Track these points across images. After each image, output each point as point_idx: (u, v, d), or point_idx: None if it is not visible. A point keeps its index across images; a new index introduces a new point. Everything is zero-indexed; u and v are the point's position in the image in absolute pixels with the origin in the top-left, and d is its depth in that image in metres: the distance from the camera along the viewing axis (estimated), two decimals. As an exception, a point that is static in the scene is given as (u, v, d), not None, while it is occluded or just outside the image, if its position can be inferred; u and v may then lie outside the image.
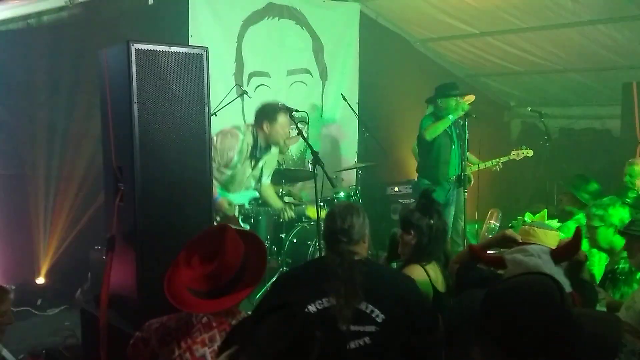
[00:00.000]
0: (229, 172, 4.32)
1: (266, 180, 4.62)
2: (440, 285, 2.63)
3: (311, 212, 4.84)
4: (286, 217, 4.58)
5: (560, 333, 1.30)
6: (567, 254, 2.25)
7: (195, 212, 3.06)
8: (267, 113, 4.28)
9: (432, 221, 2.67)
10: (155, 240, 2.89)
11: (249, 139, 4.30)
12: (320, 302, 2.20)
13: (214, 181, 4.22)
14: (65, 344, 3.84)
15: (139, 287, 2.86)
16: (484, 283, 1.99)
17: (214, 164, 4.14)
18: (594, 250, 3.48)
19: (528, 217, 3.01)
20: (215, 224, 4.24)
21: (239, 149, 4.25)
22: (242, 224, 4.47)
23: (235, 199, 4.40)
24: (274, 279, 4.67)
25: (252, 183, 4.48)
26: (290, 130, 4.40)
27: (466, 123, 5.02)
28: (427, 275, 2.60)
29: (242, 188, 4.43)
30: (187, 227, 2.93)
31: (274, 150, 4.45)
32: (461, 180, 5.13)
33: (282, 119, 4.24)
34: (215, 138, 4.14)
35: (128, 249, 2.94)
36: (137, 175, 2.86)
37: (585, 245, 3.46)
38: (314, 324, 1.49)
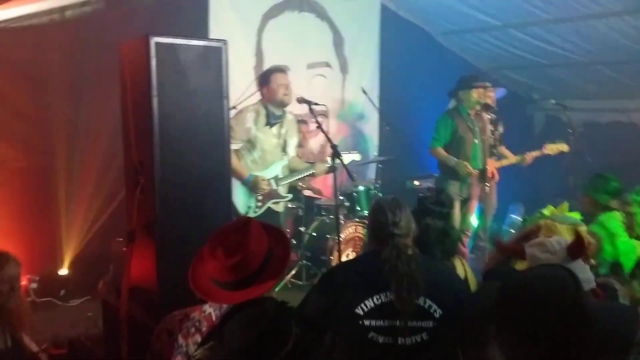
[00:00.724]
0: (255, 149, 4.37)
1: (292, 150, 4.64)
2: None
3: None
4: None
5: (573, 324, 1.31)
6: (579, 252, 2.22)
7: (214, 205, 3.07)
8: (261, 79, 4.43)
9: (426, 222, 2.65)
10: (174, 232, 2.91)
11: (259, 108, 4.39)
12: (378, 297, 2.17)
13: (243, 163, 4.36)
14: (87, 334, 3.90)
15: (159, 279, 2.88)
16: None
17: (236, 145, 4.26)
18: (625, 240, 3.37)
19: (548, 210, 2.95)
20: (256, 203, 4.35)
21: (254, 119, 4.33)
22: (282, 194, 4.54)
23: (268, 173, 4.44)
24: (322, 273, 4.62)
25: (280, 154, 4.52)
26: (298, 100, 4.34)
27: (492, 117, 4.96)
28: None
29: (273, 161, 4.47)
30: (207, 220, 2.95)
31: (290, 117, 4.49)
32: (484, 176, 5.07)
33: (275, 77, 4.32)
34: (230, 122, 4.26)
35: (148, 242, 2.96)
36: (156, 168, 2.89)
37: (622, 233, 3.42)
38: (291, 318, 1.48)
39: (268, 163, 4.42)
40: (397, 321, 2.11)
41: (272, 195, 4.43)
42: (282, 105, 4.33)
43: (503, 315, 1.38)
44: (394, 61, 6.73)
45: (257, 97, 5.40)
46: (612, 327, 1.42)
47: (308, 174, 4.63)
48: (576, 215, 2.67)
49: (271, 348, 1.39)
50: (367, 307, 2.15)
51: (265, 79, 4.37)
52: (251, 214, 4.37)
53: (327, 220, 5.27)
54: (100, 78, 4.74)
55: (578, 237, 2.06)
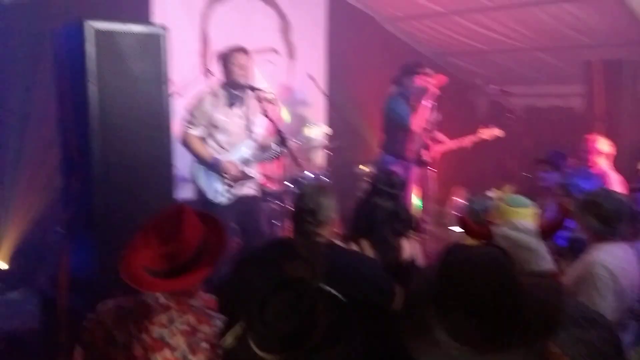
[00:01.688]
0: (219, 132, 4.25)
1: (259, 129, 4.47)
2: None
3: None
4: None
5: (508, 300, 1.39)
6: (552, 231, 2.32)
7: (156, 193, 3.04)
8: (221, 58, 4.29)
9: (375, 201, 2.70)
10: (113, 222, 2.87)
11: (217, 90, 4.27)
12: None
13: (209, 148, 4.23)
14: (25, 327, 3.80)
15: (98, 270, 2.83)
16: None
17: (197, 131, 4.16)
18: None
19: (496, 193, 3.03)
20: (224, 187, 4.22)
21: (211, 102, 4.20)
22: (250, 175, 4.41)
23: (235, 155, 4.31)
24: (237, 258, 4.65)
25: (245, 134, 4.36)
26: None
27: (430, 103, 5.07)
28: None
29: (239, 142, 4.33)
30: (148, 208, 2.88)
31: (252, 95, 4.33)
32: (421, 161, 5.24)
33: (232, 56, 4.21)
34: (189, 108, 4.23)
35: (87, 231, 2.90)
36: (94, 156, 2.83)
37: None
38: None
39: (234, 145, 4.33)
40: None
41: (241, 176, 4.34)
42: (237, 86, 4.23)
43: (442, 295, 1.43)
44: (341, 47, 6.75)
45: (206, 81, 5.36)
46: (543, 306, 1.49)
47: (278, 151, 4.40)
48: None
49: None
50: None
51: (223, 59, 4.26)
52: (220, 199, 4.25)
53: (275, 207, 5.27)
54: (34, 65, 4.58)
55: (557, 221, 2.19)
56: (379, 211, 2.71)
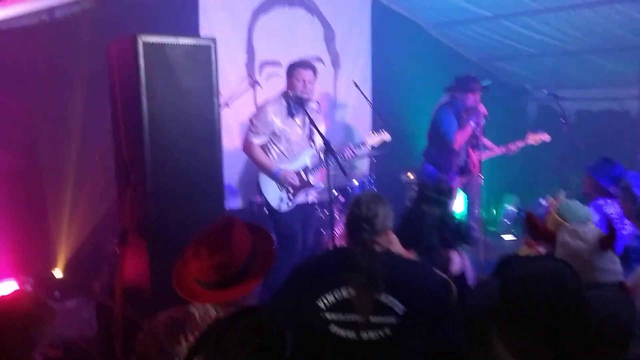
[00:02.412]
0: (280, 141, 4.38)
1: (320, 138, 4.46)
2: None
3: None
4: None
5: (574, 318, 1.34)
6: (609, 244, 2.22)
7: (206, 204, 3.08)
8: (287, 70, 4.44)
9: (422, 208, 2.66)
10: (166, 232, 2.91)
11: (280, 100, 4.41)
12: (339, 292, 2.18)
13: (272, 157, 4.37)
14: (82, 336, 3.89)
15: (152, 279, 2.88)
16: None
17: (260, 140, 4.32)
18: None
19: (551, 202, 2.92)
20: (288, 195, 4.32)
21: (275, 112, 4.35)
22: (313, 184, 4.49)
23: (297, 165, 4.43)
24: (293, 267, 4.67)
25: (307, 144, 4.49)
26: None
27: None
28: None
29: (300, 151, 4.45)
30: (199, 219, 2.94)
31: (313, 104, 4.49)
32: (465, 170, 5.22)
33: (297, 71, 4.34)
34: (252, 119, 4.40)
35: (140, 242, 2.96)
36: (147, 168, 2.89)
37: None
38: (284, 325, 1.47)
39: (295, 154, 4.42)
40: (358, 316, 2.13)
41: (303, 185, 4.42)
42: (299, 100, 4.33)
43: (506, 312, 1.39)
44: (386, 54, 6.71)
45: (252, 92, 5.43)
46: (612, 321, 1.44)
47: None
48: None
49: (274, 357, 1.39)
50: (328, 300, 2.17)
51: (289, 71, 4.41)
52: (284, 207, 4.38)
53: (322, 216, 5.27)
54: (90, 78, 4.71)
55: (612, 230, 2.07)
56: (426, 219, 2.66)
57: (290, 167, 4.43)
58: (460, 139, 5.15)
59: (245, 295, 1.93)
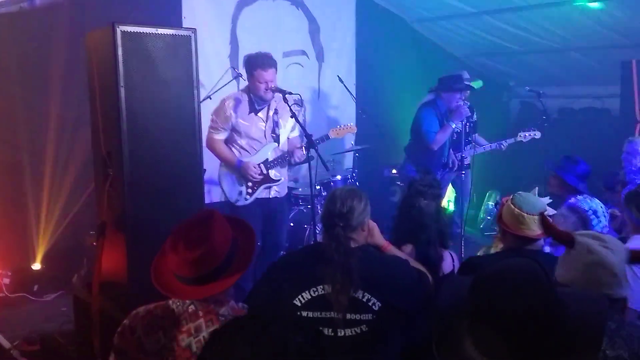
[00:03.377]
0: (241, 136, 4.28)
1: (285, 132, 4.46)
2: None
3: None
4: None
5: (545, 316, 1.32)
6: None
7: (186, 197, 3.03)
8: (246, 67, 4.27)
9: (419, 204, 2.65)
10: (145, 225, 2.87)
11: (241, 96, 4.29)
12: (315, 289, 2.17)
13: (234, 150, 4.29)
14: (60, 330, 3.84)
15: (129, 273, 2.84)
16: None
17: (220, 135, 4.23)
18: None
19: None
20: (246, 190, 4.26)
21: (234, 107, 4.21)
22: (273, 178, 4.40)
23: (257, 158, 4.33)
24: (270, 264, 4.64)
25: (269, 138, 4.37)
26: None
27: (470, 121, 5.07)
28: None
29: (261, 146, 4.35)
30: (178, 212, 2.90)
31: (279, 98, 4.30)
32: (446, 167, 5.27)
33: (258, 73, 4.15)
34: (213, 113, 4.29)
35: (118, 235, 2.92)
36: (125, 160, 2.84)
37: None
38: (293, 329, 1.47)
39: (256, 149, 4.35)
40: (334, 313, 2.13)
41: (264, 180, 4.37)
42: (263, 100, 4.26)
43: (476, 308, 1.38)
44: (371, 49, 6.71)
45: (236, 84, 5.37)
46: (584, 318, 1.42)
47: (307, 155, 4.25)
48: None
49: None
50: (304, 298, 2.17)
51: (248, 69, 4.26)
52: (242, 202, 4.31)
53: (305, 210, 5.26)
54: (70, 69, 4.64)
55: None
56: (425, 213, 2.67)
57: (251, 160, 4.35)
58: (439, 139, 5.14)
59: (225, 290, 1.89)
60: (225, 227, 1.91)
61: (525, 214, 2.45)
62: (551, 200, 2.85)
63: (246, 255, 1.94)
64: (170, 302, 1.90)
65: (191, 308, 1.87)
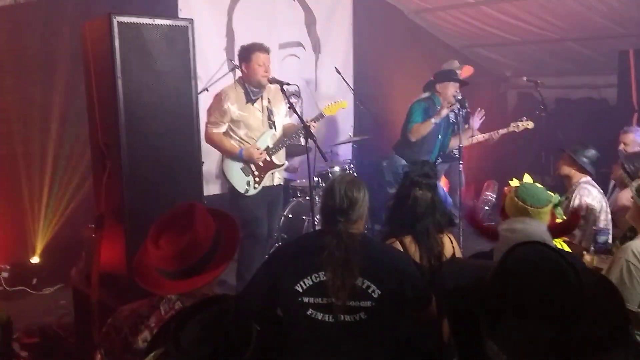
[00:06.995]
0: (240, 127, 4.30)
1: (280, 119, 4.49)
2: (419, 260, 2.60)
3: None
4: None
5: (578, 302, 1.26)
6: (563, 234, 2.19)
7: (184, 189, 3.03)
8: (241, 55, 4.27)
9: (415, 194, 2.65)
10: (143, 216, 2.84)
11: (236, 87, 4.31)
12: (316, 275, 2.18)
13: (234, 142, 4.29)
14: (59, 322, 3.85)
15: (128, 265, 2.83)
16: None
17: (220, 128, 4.24)
18: None
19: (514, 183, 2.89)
20: (254, 179, 4.26)
21: (231, 99, 4.23)
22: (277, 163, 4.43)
23: (258, 144, 4.35)
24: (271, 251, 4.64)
25: (267, 126, 4.39)
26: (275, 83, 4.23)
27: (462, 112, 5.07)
28: (404, 249, 2.58)
29: (260, 134, 4.36)
30: (177, 202, 2.88)
31: (273, 86, 4.35)
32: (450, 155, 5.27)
33: (256, 56, 4.17)
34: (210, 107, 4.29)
35: (117, 227, 2.91)
36: (123, 152, 2.83)
37: None
38: (251, 318, 1.36)
39: (255, 138, 4.35)
40: (334, 299, 2.15)
41: (268, 166, 4.38)
42: (260, 85, 4.25)
43: (497, 296, 1.29)
44: (368, 40, 6.69)
45: (232, 76, 5.35)
46: (606, 302, 1.38)
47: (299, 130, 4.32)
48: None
49: (234, 352, 1.29)
50: (305, 284, 2.19)
51: (246, 56, 4.25)
52: (251, 191, 4.33)
53: (303, 202, 5.26)
54: (67, 60, 4.61)
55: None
56: (420, 203, 2.66)
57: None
58: (416, 130, 5.07)
59: (210, 283, 1.84)
60: (207, 218, 1.85)
61: (530, 207, 2.39)
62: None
63: (230, 247, 1.89)
64: (156, 298, 1.85)
65: (177, 304, 1.81)
